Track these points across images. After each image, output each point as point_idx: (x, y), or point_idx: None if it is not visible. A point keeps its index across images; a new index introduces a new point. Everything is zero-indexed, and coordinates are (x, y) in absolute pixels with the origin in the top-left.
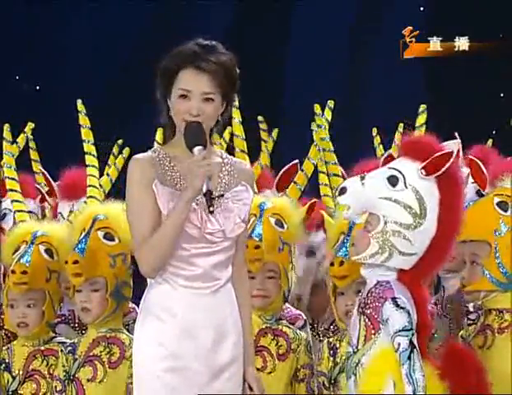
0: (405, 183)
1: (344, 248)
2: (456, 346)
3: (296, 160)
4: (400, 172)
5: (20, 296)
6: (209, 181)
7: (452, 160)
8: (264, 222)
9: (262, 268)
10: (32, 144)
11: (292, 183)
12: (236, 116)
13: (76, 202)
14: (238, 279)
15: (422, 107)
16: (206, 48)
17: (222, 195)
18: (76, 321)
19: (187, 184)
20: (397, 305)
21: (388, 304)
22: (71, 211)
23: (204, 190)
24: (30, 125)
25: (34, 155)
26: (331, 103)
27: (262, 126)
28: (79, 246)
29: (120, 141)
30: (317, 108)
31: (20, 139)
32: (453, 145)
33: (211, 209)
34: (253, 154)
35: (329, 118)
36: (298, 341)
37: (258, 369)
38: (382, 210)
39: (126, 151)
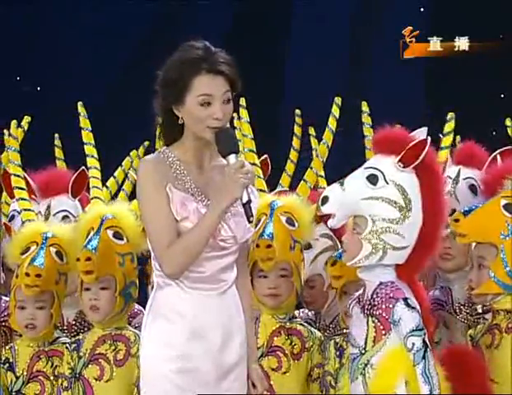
0: (385, 179)
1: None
2: (458, 346)
3: (265, 156)
4: (378, 169)
5: (31, 298)
6: (248, 190)
7: (427, 147)
8: (275, 221)
9: (275, 267)
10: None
11: (302, 181)
12: (244, 116)
13: (54, 199)
14: (240, 280)
15: (450, 115)
16: (208, 50)
17: None
18: (65, 324)
19: (222, 192)
20: (409, 305)
21: (399, 305)
22: (48, 208)
23: (244, 200)
24: (27, 118)
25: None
26: (338, 99)
27: (298, 120)
28: (91, 244)
29: (147, 143)
30: (364, 105)
31: (19, 133)
32: (421, 133)
33: (251, 219)
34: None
35: (337, 115)
36: (312, 340)
37: (272, 370)
38: (368, 210)
39: (133, 153)
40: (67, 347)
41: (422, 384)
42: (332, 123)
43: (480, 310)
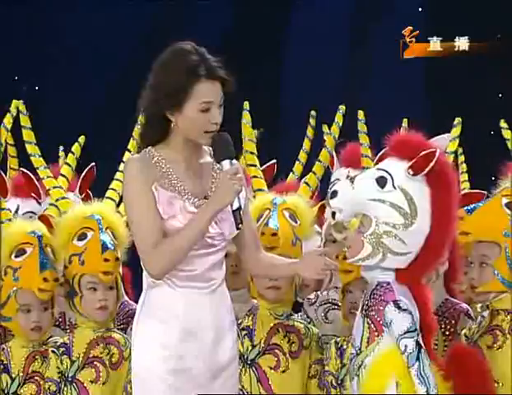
0: (393, 184)
1: None
2: (461, 346)
3: (274, 160)
4: (388, 172)
5: (37, 300)
6: (239, 197)
7: (436, 158)
8: (279, 215)
9: None
10: (9, 139)
11: (304, 184)
12: (246, 119)
13: None
14: (263, 256)
15: (457, 120)
16: (201, 53)
17: None
18: (67, 323)
19: (214, 196)
20: (399, 308)
21: (390, 308)
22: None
23: (235, 206)
24: (17, 103)
25: (12, 151)
26: (342, 108)
27: (312, 122)
28: (111, 244)
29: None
30: (360, 114)
31: (7, 119)
32: (443, 140)
33: (240, 226)
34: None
35: (340, 123)
36: (310, 338)
37: (271, 368)
38: (373, 211)
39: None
40: (53, 351)
41: (418, 385)
42: (339, 119)
43: (479, 309)
